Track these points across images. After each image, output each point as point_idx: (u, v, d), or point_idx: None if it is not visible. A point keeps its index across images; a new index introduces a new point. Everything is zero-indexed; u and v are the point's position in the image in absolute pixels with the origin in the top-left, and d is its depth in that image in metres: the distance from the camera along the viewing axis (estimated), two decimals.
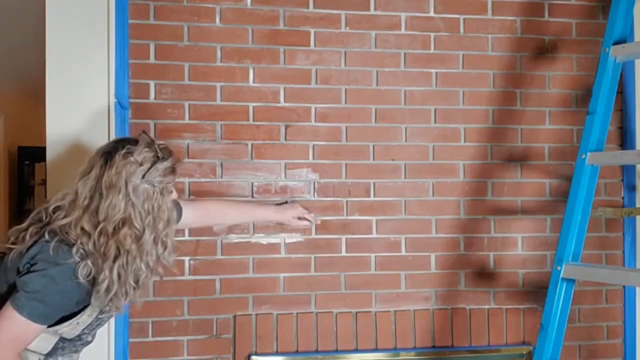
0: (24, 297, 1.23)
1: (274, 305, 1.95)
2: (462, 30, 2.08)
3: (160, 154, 1.34)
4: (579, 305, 2.11)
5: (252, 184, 1.96)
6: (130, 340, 1.85)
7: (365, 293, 2.01)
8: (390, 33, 2.04)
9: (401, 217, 2.03)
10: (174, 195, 1.43)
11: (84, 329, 1.38)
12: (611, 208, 2.07)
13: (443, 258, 2.05)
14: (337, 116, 2.01)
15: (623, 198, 2.16)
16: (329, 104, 2.00)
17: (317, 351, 1.96)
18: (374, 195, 2.02)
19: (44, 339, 1.34)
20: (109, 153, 1.31)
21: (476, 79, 2.08)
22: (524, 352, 2.05)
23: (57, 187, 1.46)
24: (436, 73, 2.06)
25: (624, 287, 2.14)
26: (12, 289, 1.28)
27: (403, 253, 2.03)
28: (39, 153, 3.17)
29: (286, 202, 1.95)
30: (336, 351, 1.97)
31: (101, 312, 1.37)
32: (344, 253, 2.00)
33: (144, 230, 1.31)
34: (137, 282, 1.35)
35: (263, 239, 1.96)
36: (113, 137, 1.70)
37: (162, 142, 1.39)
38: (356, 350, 1.98)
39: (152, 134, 1.81)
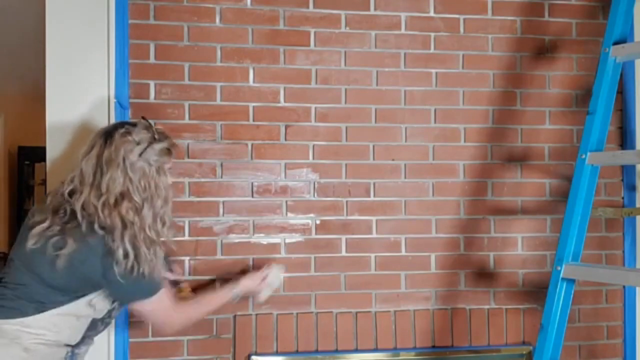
0: (134, 286, 1.39)
1: (274, 305, 1.95)
2: (462, 30, 2.08)
3: (157, 136, 1.44)
4: (579, 305, 2.10)
5: (252, 184, 1.96)
6: (130, 340, 1.85)
7: (365, 293, 2.01)
8: (390, 33, 2.04)
9: (401, 217, 2.03)
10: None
11: (113, 301, 1.48)
12: (611, 208, 2.07)
13: (443, 258, 2.05)
14: (337, 116, 2.01)
15: (623, 198, 2.16)
16: (329, 104, 2.00)
17: (317, 351, 1.96)
18: (374, 195, 2.02)
19: (76, 329, 1.42)
20: (108, 133, 1.41)
21: (476, 79, 2.08)
22: (524, 352, 2.05)
23: None
24: (436, 73, 2.06)
25: (624, 287, 2.14)
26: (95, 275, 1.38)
27: (403, 253, 2.03)
28: (39, 153, 3.17)
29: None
30: (336, 351, 1.97)
31: None
32: (344, 253, 2.00)
33: (142, 204, 1.39)
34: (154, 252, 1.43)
35: (263, 239, 1.96)
36: None
37: (159, 127, 1.47)
38: (356, 351, 1.98)
39: None
